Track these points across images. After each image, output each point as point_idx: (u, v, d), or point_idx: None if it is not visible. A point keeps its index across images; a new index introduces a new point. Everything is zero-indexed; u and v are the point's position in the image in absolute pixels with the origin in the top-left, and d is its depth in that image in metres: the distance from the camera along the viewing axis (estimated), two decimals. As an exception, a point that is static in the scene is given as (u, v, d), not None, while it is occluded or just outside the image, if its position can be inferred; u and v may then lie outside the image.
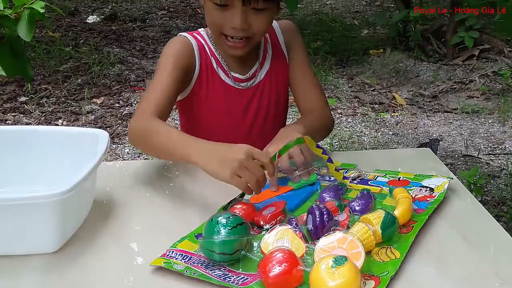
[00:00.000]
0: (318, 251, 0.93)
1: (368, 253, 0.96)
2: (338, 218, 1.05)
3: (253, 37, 1.36)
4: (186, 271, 0.94)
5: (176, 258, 0.97)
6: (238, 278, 0.92)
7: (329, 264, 0.85)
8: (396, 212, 1.06)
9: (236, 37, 1.34)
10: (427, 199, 1.14)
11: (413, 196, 1.15)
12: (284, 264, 0.88)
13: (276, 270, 0.88)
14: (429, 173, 1.27)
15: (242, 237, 0.96)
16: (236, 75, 1.46)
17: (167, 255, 0.98)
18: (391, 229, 1.01)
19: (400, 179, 1.24)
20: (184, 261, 0.97)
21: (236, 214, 1.03)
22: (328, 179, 1.26)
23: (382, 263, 0.95)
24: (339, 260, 0.85)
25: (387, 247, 0.99)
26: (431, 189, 1.18)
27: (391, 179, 1.24)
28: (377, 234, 0.99)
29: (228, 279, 0.92)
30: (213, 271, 0.94)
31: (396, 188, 1.16)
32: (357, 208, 1.09)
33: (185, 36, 1.44)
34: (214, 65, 1.44)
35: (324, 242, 0.94)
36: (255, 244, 0.99)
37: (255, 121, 1.50)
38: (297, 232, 0.99)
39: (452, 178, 1.24)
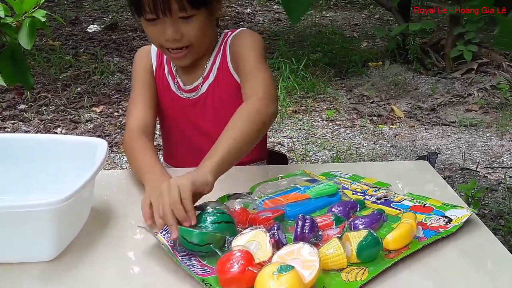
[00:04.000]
0: (277, 257, 0.95)
1: (339, 270, 0.96)
2: (328, 232, 1.05)
3: (192, 45, 1.38)
4: (161, 243, 1.01)
5: (163, 234, 1.04)
6: (200, 268, 0.97)
7: (273, 270, 0.87)
8: (389, 236, 1.02)
9: (175, 48, 1.37)
10: (439, 229, 1.09)
11: (428, 225, 1.10)
12: (238, 264, 0.91)
13: (229, 268, 0.91)
14: (428, 189, 1.23)
15: (215, 233, 1.00)
16: (181, 83, 1.50)
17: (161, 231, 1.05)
18: (370, 250, 0.98)
19: (426, 205, 1.18)
20: (164, 237, 1.03)
21: (229, 212, 1.06)
22: (346, 194, 1.24)
23: (345, 282, 0.93)
24: (284, 268, 0.87)
25: (362, 268, 0.96)
26: (450, 220, 1.11)
27: (417, 204, 1.19)
28: (352, 254, 0.97)
29: (192, 267, 0.97)
30: (181, 256, 1.00)
31: (407, 212, 1.13)
32: (360, 226, 1.06)
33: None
34: (166, 69, 1.51)
35: (285, 250, 0.96)
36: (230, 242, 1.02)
37: (199, 131, 1.50)
38: (270, 237, 1.00)
39: (477, 212, 1.15)
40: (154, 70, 1.52)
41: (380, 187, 1.28)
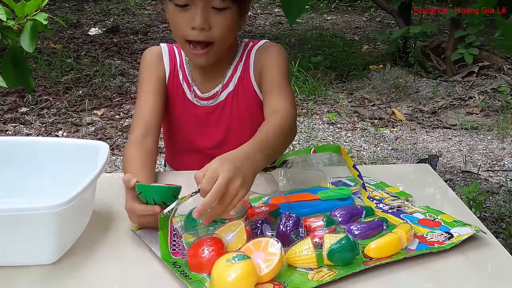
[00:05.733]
0: (245, 248, 0.98)
1: (309, 269, 0.97)
2: (316, 233, 1.06)
3: (214, 43, 1.35)
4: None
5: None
6: (180, 250, 1.03)
7: (228, 258, 0.91)
8: (372, 244, 1.02)
9: (197, 42, 1.33)
10: (435, 244, 1.05)
11: (427, 239, 1.07)
12: (207, 251, 0.97)
13: (200, 254, 0.97)
14: (428, 190, 1.23)
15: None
16: (198, 91, 1.47)
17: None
18: (343, 254, 0.97)
19: (435, 220, 1.14)
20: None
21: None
22: (361, 198, 1.23)
23: (307, 281, 0.94)
24: (238, 257, 0.91)
25: (333, 271, 0.96)
26: (451, 237, 1.08)
27: (428, 217, 1.15)
28: (324, 255, 0.98)
29: (173, 247, 1.03)
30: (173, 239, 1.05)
31: (404, 224, 1.10)
32: (356, 232, 1.06)
33: (158, 44, 1.50)
34: (180, 76, 1.47)
35: (254, 242, 0.99)
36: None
37: (209, 138, 1.49)
38: (246, 227, 1.03)
39: (486, 233, 1.11)
40: (167, 77, 1.47)
41: (400, 196, 1.25)
